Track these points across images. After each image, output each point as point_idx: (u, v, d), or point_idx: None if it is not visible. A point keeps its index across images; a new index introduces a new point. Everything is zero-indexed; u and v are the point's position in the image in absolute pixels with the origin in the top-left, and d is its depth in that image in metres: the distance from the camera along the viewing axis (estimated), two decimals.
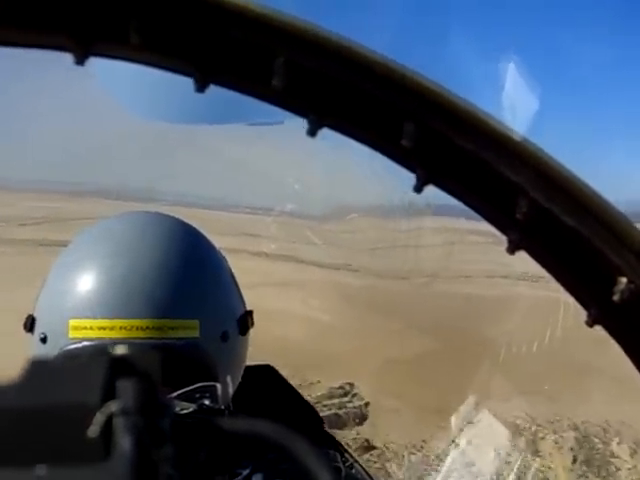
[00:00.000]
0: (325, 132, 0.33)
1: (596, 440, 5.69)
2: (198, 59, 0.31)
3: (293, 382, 1.17)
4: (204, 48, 0.31)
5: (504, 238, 0.34)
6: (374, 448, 5.41)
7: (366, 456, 5.04)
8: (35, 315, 0.92)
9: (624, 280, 0.33)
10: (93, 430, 0.26)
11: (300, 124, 0.33)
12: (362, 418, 6.17)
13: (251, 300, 1.00)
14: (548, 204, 0.32)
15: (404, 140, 0.32)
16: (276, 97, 0.33)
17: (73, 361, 0.31)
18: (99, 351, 0.30)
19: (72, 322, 0.85)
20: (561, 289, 0.34)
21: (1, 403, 0.28)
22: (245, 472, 0.81)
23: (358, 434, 5.79)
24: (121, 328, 0.84)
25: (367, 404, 6.21)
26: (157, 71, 0.33)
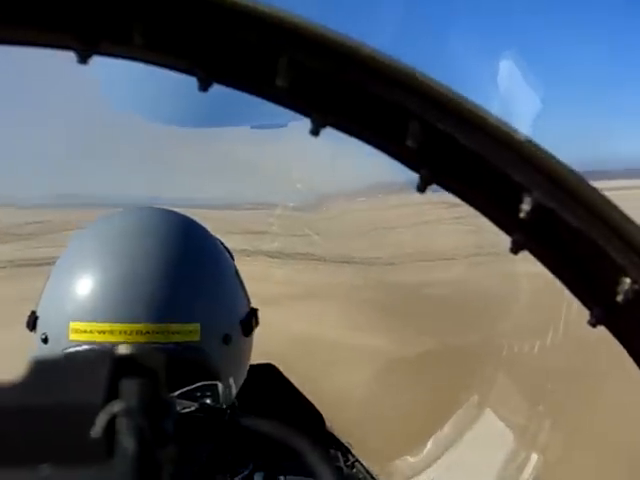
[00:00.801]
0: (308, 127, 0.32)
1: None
2: (201, 58, 0.31)
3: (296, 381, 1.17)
4: (207, 47, 0.31)
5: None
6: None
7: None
8: (37, 314, 0.92)
9: (628, 280, 0.33)
10: (96, 430, 0.26)
11: (300, 124, 0.33)
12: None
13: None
14: (552, 204, 0.32)
15: (409, 140, 0.32)
16: (280, 96, 0.33)
17: (75, 361, 0.31)
18: (100, 354, 0.30)
19: (72, 325, 0.85)
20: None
21: (4, 402, 0.28)
22: (247, 471, 0.81)
23: None
24: (121, 332, 0.83)
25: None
26: (158, 74, 0.33)
